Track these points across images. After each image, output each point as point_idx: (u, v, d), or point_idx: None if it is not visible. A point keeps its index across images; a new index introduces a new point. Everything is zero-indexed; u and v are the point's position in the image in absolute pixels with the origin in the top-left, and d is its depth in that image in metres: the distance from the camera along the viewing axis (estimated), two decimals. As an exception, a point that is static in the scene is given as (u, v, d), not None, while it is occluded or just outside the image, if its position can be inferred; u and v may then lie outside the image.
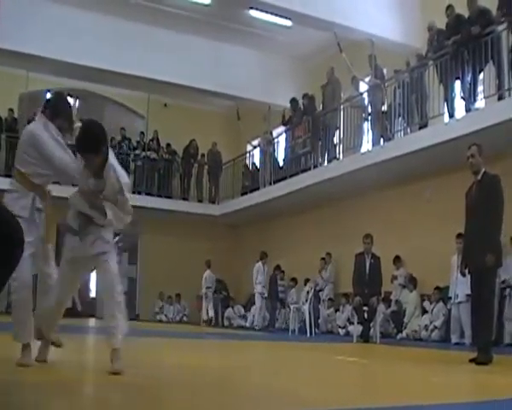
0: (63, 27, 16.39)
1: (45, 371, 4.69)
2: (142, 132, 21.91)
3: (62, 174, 4.97)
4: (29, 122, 5.11)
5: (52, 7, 16.27)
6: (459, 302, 12.02)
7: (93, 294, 22.02)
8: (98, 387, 4.15)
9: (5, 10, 14.74)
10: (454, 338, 12.12)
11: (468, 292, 11.45)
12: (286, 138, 18.60)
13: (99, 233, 4.74)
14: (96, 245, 4.72)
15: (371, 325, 11.95)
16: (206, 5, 16.13)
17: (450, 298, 12.34)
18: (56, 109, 5.00)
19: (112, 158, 4.71)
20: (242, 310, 20.28)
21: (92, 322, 17.43)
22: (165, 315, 21.77)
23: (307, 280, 16.21)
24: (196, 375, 5.03)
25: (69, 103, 5.10)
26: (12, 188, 4.84)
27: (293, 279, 17.62)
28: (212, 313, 20.05)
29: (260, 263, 17.44)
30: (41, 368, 4.72)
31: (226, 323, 20.09)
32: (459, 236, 10.69)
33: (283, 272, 18.25)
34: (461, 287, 11.76)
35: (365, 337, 11.80)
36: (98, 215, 4.69)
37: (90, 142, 4.52)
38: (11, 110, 20.33)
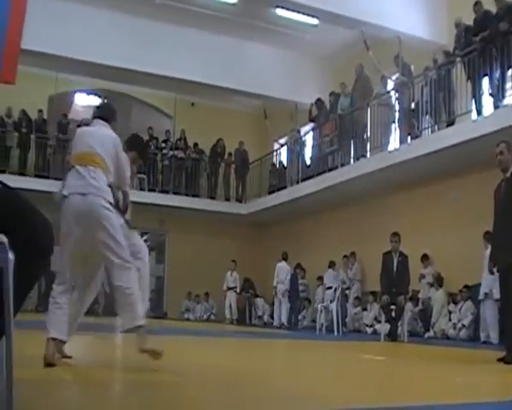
0: (91, 28, 16.55)
1: (67, 370, 4.75)
2: (168, 131, 22.05)
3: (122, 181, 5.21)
4: (84, 125, 5.59)
5: (80, 8, 16.42)
6: (482, 300, 12.00)
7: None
8: (123, 385, 4.18)
9: (33, 12, 14.90)
10: (482, 337, 12.05)
11: (487, 291, 11.53)
12: (313, 137, 18.58)
13: None
14: None
15: (399, 323, 11.89)
16: (233, 4, 16.17)
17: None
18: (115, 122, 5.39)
19: None
20: (262, 307, 20.35)
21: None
22: (193, 314, 21.86)
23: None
24: (220, 373, 5.06)
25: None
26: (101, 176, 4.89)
27: (320, 278, 17.59)
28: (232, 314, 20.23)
29: (285, 262, 17.62)
30: (64, 366, 4.78)
31: (254, 321, 20.17)
32: (486, 234, 10.64)
33: (304, 270, 18.30)
34: (484, 284, 11.73)
35: (393, 336, 11.75)
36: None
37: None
38: (40, 111, 20.57)
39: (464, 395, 4.33)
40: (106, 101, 6.14)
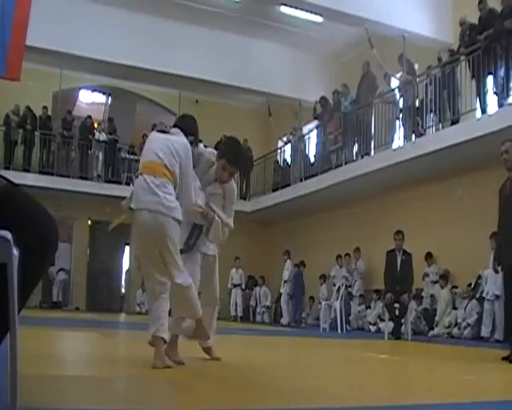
0: (95, 25, 16.58)
1: (71, 367, 4.75)
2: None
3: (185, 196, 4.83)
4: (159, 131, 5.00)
5: (84, 5, 16.46)
6: (487, 299, 12.00)
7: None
8: (124, 380, 4.19)
9: (38, 9, 14.98)
10: (486, 333, 12.01)
11: (498, 292, 11.51)
12: (317, 134, 18.57)
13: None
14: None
15: (402, 321, 11.89)
16: (237, 2, 16.17)
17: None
18: (196, 138, 5.07)
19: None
20: (266, 297, 20.36)
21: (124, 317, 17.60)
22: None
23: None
24: (227, 370, 5.07)
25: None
26: (171, 191, 4.63)
27: (323, 276, 17.59)
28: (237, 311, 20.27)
29: (290, 261, 17.73)
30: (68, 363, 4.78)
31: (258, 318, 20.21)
32: (494, 234, 10.64)
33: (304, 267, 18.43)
34: (491, 283, 11.72)
35: (397, 334, 11.74)
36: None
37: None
38: (45, 108, 20.59)
39: (469, 393, 4.33)
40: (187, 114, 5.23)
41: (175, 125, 4.96)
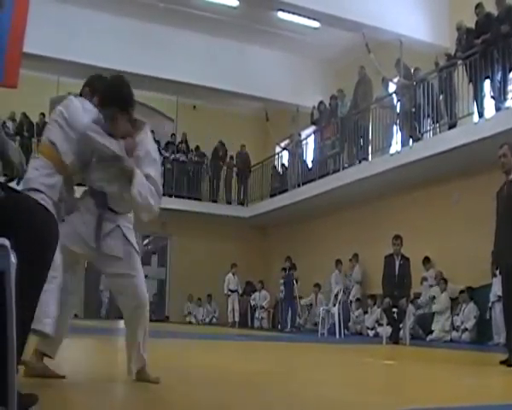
0: (92, 32, 16.57)
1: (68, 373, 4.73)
2: (174, 134, 22.09)
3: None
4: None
5: (81, 11, 16.45)
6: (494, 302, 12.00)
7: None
8: (127, 386, 4.18)
9: (35, 15, 14.97)
10: (496, 339, 11.99)
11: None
12: (314, 140, 18.58)
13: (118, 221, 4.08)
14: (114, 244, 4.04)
15: (401, 326, 11.87)
16: (235, 8, 16.18)
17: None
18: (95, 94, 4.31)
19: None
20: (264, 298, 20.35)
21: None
22: (195, 317, 21.85)
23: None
24: (228, 376, 5.05)
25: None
26: (38, 163, 3.98)
27: (317, 285, 17.57)
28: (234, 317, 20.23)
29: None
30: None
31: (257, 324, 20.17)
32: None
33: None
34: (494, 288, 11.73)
35: (395, 339, 11.72)
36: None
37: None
38: (42, 115, 20.59)
39: (469, 398, 4.32)
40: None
41: None
